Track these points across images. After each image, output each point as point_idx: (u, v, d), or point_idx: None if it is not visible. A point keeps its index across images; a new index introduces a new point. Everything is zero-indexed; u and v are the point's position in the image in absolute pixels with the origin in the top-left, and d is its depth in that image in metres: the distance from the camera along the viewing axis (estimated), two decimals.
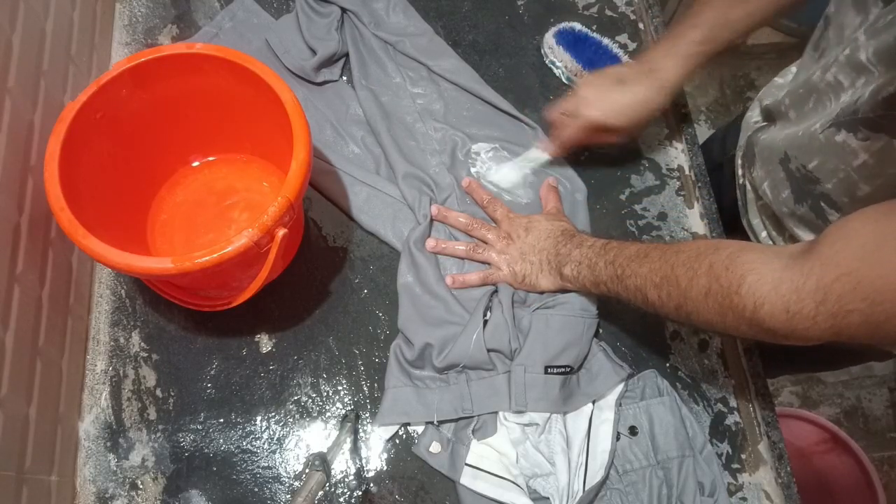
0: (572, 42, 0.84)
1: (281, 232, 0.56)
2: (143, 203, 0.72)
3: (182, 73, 0.64)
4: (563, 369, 0.64)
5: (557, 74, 0.85)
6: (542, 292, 0.69)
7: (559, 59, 0.84)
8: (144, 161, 0.69)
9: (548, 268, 0.67)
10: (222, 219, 0.72)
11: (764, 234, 0.76)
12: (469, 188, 0.75)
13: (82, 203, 0.56)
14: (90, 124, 0.59)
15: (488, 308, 0.68)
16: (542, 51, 0.86)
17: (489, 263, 0.71)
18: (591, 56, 0.83)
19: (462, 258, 0.72)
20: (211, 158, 0.75)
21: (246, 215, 0.73)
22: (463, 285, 0.70)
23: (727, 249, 0.50)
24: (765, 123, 0.74)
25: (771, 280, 0.45)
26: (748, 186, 0.77)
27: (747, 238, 0.79)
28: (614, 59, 0.84)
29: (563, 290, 0.68)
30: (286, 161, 0.57)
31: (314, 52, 0.81)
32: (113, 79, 0.60)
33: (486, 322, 0.66)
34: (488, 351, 0.65)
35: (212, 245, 0.53)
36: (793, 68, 0.75)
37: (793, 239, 0.70)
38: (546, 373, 0.64)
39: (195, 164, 0.75)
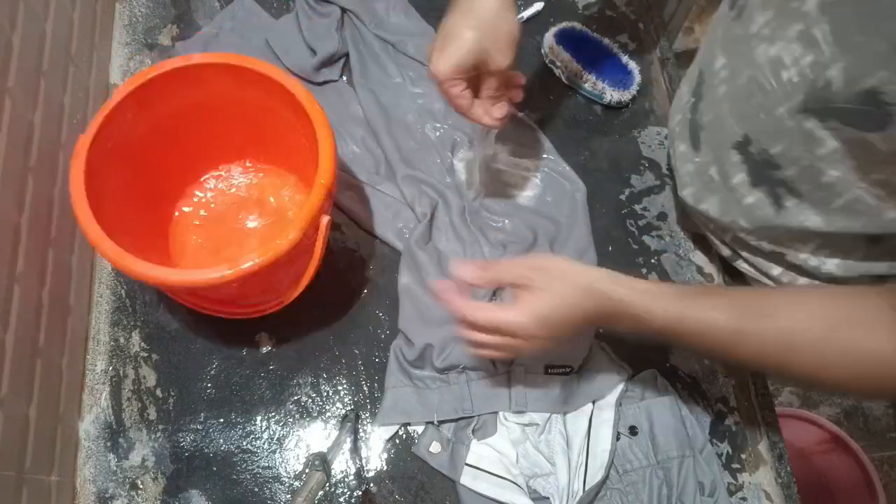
0: (572, 42, 0.84)
1: (325, 219, 0.56)
2: (162, 223, 0.71)
3: (183, 87, 0.63)
4: (563, 370, 0.64)
5: (557, 74, 0.85)
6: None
7: (559, 60, 0.84)
8: (158, 182, 0.69)
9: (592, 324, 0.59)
10: (242, 229, 0.72)
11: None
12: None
13: (111, 231, 0.55)
14: (104, 154, 0.59)
15: None
16: (542, 51, 0.86)
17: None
18: (591, 56, 0.83)
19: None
20: (221, 171, 0.75)
21: (264, 221, 0.72)
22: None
23: (847, 333, 0.46)
24: (693, 99, 0.68)
25: None
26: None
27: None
28: (614, 59, 0.84)
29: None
30: (298, 163, 0.57)
31: (314, 52, 0.81)
32: (117, 105, 0.59)
33: None
34: None
35: (235, 257, 0.53)
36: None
37: (733, 239, 0.67)
38: (546, 373, 0.64)
39: (205, 177, 0.74)
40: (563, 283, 0.52)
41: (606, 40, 0.85)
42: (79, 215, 0.54)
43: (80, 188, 0.55)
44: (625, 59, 0.84)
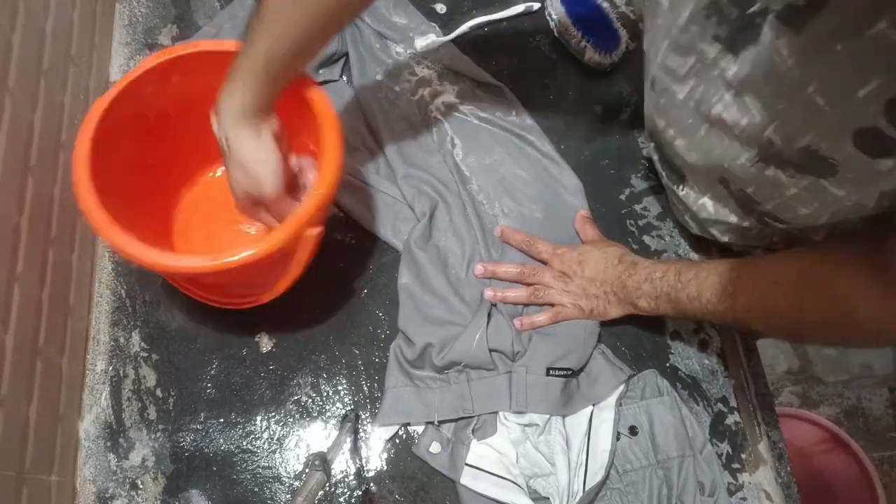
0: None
1: (316, 230, 0.56)
2: (166, 205, 0.71)
3: (206, 72, 0.61)
4: (564, 372, 0.64)
5: (551, 27, 0.87)
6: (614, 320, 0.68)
7: (555, 12, 0.85)
8: (169, 162, 0.68)
9: (615, 299, 0.66)
10: (243, 220, 0.71)
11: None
12: (504, 236, 0.73)
13: (111, 204, 0.55)
14: (118, 122, 0.58)
15: (491, 308, 0.68)
16: (545, 3, 0.87)
17: (553, 304, 0.69)
18: (586, 17, 0.83)
19: (526, 304, 0.70)
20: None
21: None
22: (532, 326, 0.68)
23: (823, 275, 0.52)
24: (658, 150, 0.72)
25: (885, 307, 0.47)
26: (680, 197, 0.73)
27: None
28: (608, 25, 0.83)
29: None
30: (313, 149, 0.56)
31: None
32: (140, 76, 0.58)
33: (488, 321, 0.66)
34: (490, 351, 0.65)
35: (234, 244, 0.53)
36: None
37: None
38: (548, 374, 0.64)
39: (215, 165, 0.74)
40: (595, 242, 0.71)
41: (606, 4, 0.85)
42: (76, 178, 0.54)
43: (86, 149, 0.54)
44: (617, 26, 0.84)
